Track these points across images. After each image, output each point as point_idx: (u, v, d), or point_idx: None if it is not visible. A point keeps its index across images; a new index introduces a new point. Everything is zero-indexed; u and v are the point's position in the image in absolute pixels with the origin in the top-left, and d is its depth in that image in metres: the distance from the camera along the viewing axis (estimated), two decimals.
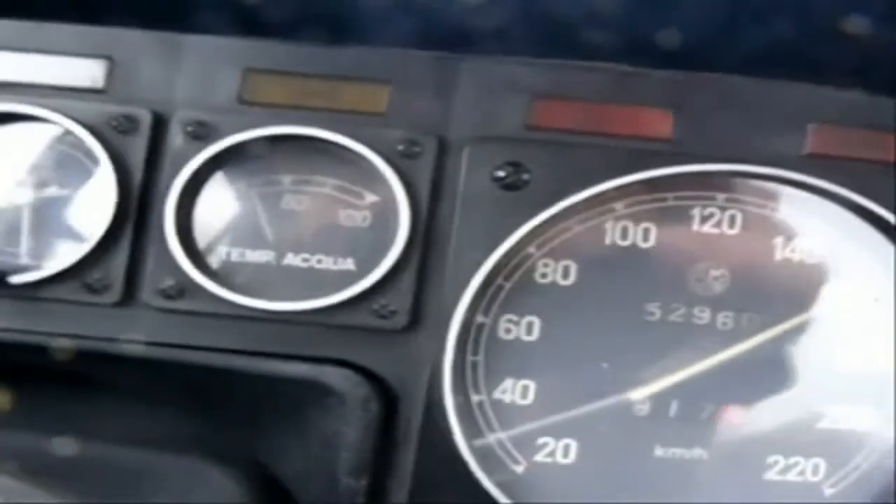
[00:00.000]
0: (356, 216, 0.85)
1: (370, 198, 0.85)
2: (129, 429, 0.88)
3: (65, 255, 0.83)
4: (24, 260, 0.85)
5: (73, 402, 0.88)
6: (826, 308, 0.85)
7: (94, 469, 0.81)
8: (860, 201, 0.83)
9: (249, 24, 0.93)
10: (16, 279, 0.83)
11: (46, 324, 0.85)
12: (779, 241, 0.86)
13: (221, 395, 0.88)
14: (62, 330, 0.85)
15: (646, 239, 0.86)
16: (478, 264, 0.82)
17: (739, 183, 0.85)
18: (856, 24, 0.87)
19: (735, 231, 0.86)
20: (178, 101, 0.85)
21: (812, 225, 0.86)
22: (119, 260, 0.84)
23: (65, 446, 0.83)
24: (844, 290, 0.86)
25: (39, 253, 0.85)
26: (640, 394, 0.84)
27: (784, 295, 0.86)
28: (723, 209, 0.86)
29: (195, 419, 0.90)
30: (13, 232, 0.85)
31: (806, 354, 0.86)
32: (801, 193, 0.85)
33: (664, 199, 0.86)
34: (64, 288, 0.84)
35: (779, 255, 0.86)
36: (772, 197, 0.86)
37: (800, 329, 0.85)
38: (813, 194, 0.85)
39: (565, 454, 0.85)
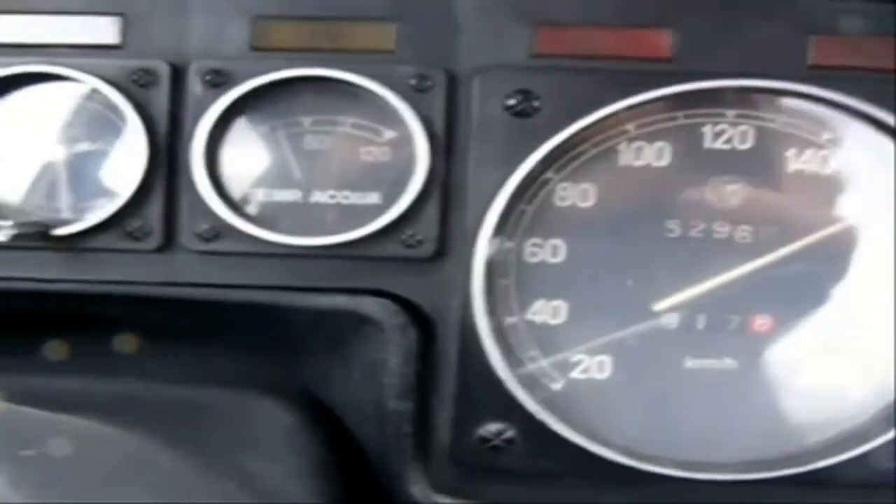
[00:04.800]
0: (376, 152, 0.88)
1: (388, 134, 0.87)
2: (183, 369, 0.91)
3: (103, 206, 0.87)
4: (65, 214, 0.88)
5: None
6: (845, 220, 0.87)
7: (156, 409, 0.84)
8: (865, 109, 0.84)
9: None
10: (59, 231, 0.86)
11: (93, 273, 0.88)
12: (791, 153, 0.87)
13: (267, 332, 0.91)
14: (109, 277, 0.88)
15: (660, 158, 0.87)
16: (496, 190, 0.84)
17: (747, 98, 0.87)
18: None
19: (747, 146, 0.87)
20: (192, 52, 0.88)
21: (821, 136, 0.87)
22: (155, 207, 0.87)
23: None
24: (859, 200, 0.87)
25: (79, 206, 0.88)
26: (664, 305, 0.86)
27: (801, 207, 0.87)
28: (734, 125, 0.87)
29: (246, 356, 0.93)
30: (52, 188, 0.89)
31: (829, 266, 0.87)
32: (808, 105, 0.86)
33: (675, 119, 0.87)
34: (106, 237, 0.87)
35: (791, 167, 0.87)
36: (781, 110, 0.87)
37: (821, 241, 0.86)
38: (819, 105, 0.86)
39: (600, 370, 0.87)
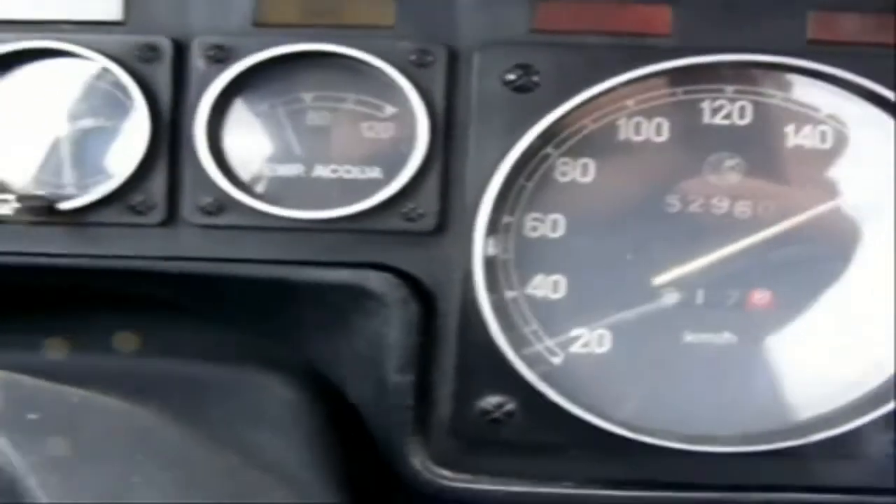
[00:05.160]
0: (378, 127, 0.88)
1: (389, 109, 0.88)
2: (184, 344, 0.91)
3: (107, 181, 0.87)
4: (68, 190, 0.89)
5: (133, 322, 0.91)
6: (843, 196, 0.87)
7: (159, 384, 0.84)
8: (863, 84, 0.85)
9: None
10: (63, 205, 0.87)
11: (96, 247, 0.89)
12: (790, 128, 0.88)
13: (269, 307, 0.91)
14: (112, 252, 0.89)
15: (659, 133, 0.88)
16: (496, 165, 0.85)
17: (746, 74, 0.87)
18: None
19: (746, 121, 0.88)
20: (194, 28, 0.89)
21: (820, 111, 0.87)
22: (159, 182, 0.87)
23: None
24: (858, 176, 0.88)
25: (82, 183, 0.89)
26: (664, 280, 0.86)
27: (799, 183, 0.88)
28: (732, 101, 0.88)
29: (248, 331, 0.94)
30: (56, 164, 0.89)
31: (828, 242, 0.88)
32: (807, 80, 0.87)
33: (674, 94, 0.88)
34: (110, 211, 0.88)
35: (790, 142, 0.88)
36: (779, 85, 0.88)
37: (819, 218, 0.87)
38: (817, 80, 0.86)
39: (600, 344, 0.88)
